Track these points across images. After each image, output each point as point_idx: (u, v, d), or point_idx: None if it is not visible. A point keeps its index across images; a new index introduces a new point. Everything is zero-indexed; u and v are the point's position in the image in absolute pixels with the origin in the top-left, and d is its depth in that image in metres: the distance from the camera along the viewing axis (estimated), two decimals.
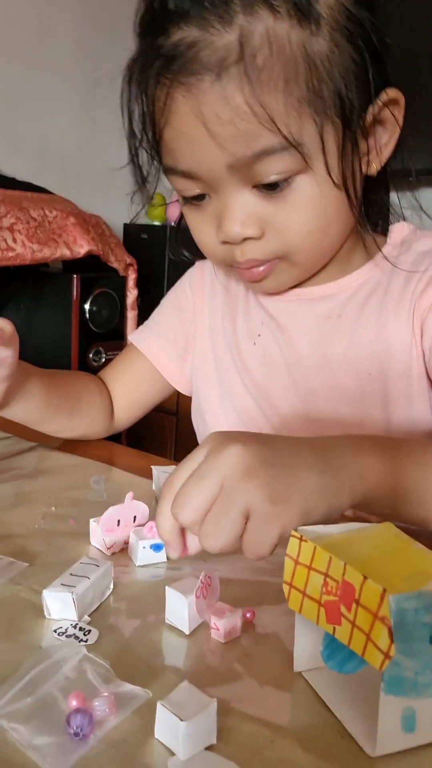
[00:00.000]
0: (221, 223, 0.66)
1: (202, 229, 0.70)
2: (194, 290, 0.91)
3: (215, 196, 0.66)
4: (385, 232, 0.78)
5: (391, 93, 0.64)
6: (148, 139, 0.66)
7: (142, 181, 0.70)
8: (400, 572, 0.39)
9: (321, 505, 0.47)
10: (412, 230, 0.77)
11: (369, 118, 0.64)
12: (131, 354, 0.94)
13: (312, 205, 0.65)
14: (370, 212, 0.73)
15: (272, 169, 0.61)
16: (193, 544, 0.50)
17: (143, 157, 0.69)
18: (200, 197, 0.67)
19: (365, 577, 0.38)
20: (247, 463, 0.46)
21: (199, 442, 0.89)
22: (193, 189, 0.66)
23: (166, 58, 0.59)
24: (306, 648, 0.46)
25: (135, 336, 0.94)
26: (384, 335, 0.73)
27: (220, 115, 0.59)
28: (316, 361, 0.77)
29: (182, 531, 0.50)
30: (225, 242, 0.68)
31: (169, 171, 0.67)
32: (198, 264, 0.92)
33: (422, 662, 0.38)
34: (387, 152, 0.67)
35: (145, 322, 0.95)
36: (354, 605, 0.38)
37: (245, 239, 0.66)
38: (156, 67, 0.61)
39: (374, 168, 0.67)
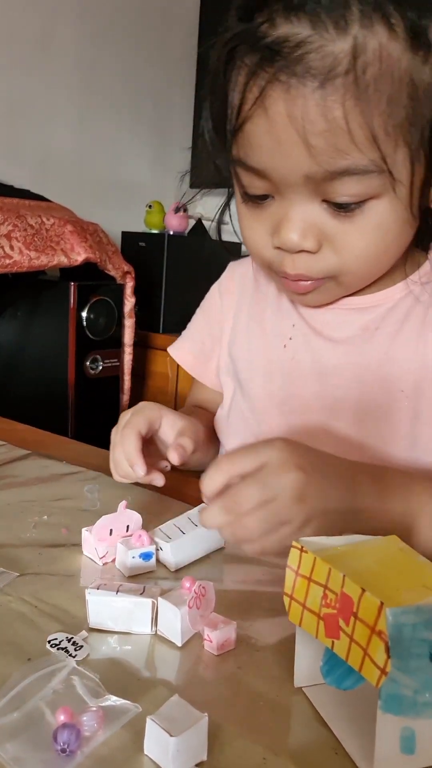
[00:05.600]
0: (279, 229, 0.64)
1: (256, 228, 0.67)
2: (223, 294, 0.91)
3: (280, 199, 0.63)
4: (426, 249, 0.76)
5: None
6: (224, 124, 0.63)
7: (214, 164, 0.68)
8: (401, 586, 0.38)
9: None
10: None
11: None
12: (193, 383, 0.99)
13: (377, 231, 0.63)
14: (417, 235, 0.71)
15: (349, 190, 0.59)
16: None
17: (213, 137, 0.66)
18: (262, 197, 0.65)
19: (363, 590, 0.36)
20: (302, 491, 0.54)
21: (223, 440, 0.89)
22: (258, 188, 0.64)
23: (269, 50, 0.55)
24: (307, 663, 0.45)
25: (171, 347, 0.97)
26: (422, 352, 0.72)
27: (314, 125, 0.56)
28: (349, 372, 0.75)
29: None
30: (278, 248, 0.66)
31: (236, 162, 0.63)
32: (230, 266, 0.92)
33: (421, 680, 0.37)
34: None
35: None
36: (352, 619, 0.37)
37: (300, 251, 0.64)
38: (255, 57, 0.56)
39: None
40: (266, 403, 0.81)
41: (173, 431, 0.76)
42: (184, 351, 0.95)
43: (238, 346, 0.86)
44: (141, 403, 0.78)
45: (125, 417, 0.76)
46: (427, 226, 0.70)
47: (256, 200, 0.65)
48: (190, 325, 0.96)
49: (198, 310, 0.96)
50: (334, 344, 0.76)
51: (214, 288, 0.93)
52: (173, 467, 0.76)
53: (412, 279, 0.74)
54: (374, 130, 0.56)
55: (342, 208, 0.61)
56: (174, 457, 0.72)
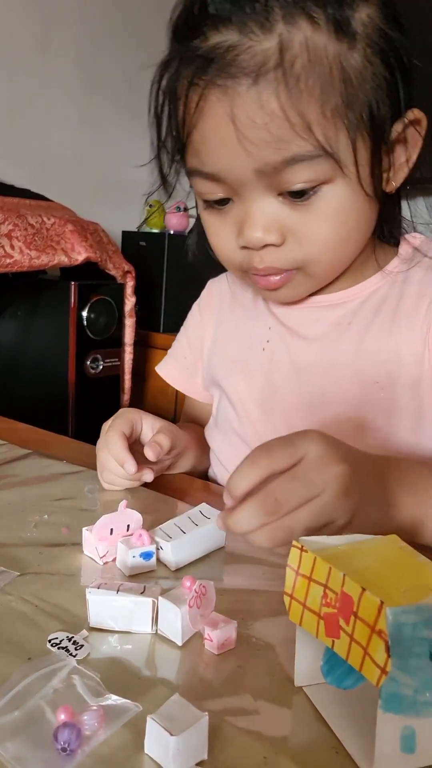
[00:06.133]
0: (243, 228, 0.66)
1: (221, 233, 0.69)
2: (202, 310, 0.94)
3: (239, 200, 0.66)
4: (396, 243, 0.78)
5: (416, 113, 0.65)
6: (173, 139, 0.66)
7: (162, 179, 0.70)
8: (401, 585, 0.38)
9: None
10: (424, 240, 0.77)
11: (393, 135, 0.64)
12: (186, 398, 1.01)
13: (336, 215, 0.65)
14: (383, 224, 0.73)
15: (300, 177, 0.61)
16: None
17: (165, 157, 0.69)
18: (222, 201, 0.67)
19: (363, 589, 0.36)
20: (347, 485, 0.51)
21: (212, 446, 0.90)
22: (217, 193, 0.66)
23: (203, 59, 0.59)
24: (307, 662, 0.45)
25: (158, 366, 1.00)
26: (395, 344, 0.73)
27: (254, 120, 0.58)
28: (325, 367, 0.76)
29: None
30: (244, 247, 0.67)
31: (193, 173, 0.66)
32: (208, 284, 0.95)
33: (421, 680, 0.37)
34: (404, 171, 0.67)
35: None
36: (352, 618, 0.37)
37: (265, 246, 0.66)
38: (191, 69, 0.60)
39: (392, 185, 0.67)
40: (249, 404, 0.83)
41: (153, 433, 0.77)
42: (170, 368, 0.98)
43: (219, 355, 0.88)
44: (120, 410, 0.80)
45: (107, 425, 0.78)
46: (392, 215, 0.72)
47: (217, 206, 0.68)
48: (174, 344, 0.99)
49: (181, 329, 0.99)
50: (308, 342, 0.78)
51: (195, 306, 0.97)
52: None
53: (387, 269, 0.76)
54: (312, 115, 0.58)
55: (298, 197, 0.63)
56: (149, 453, 0.73)
